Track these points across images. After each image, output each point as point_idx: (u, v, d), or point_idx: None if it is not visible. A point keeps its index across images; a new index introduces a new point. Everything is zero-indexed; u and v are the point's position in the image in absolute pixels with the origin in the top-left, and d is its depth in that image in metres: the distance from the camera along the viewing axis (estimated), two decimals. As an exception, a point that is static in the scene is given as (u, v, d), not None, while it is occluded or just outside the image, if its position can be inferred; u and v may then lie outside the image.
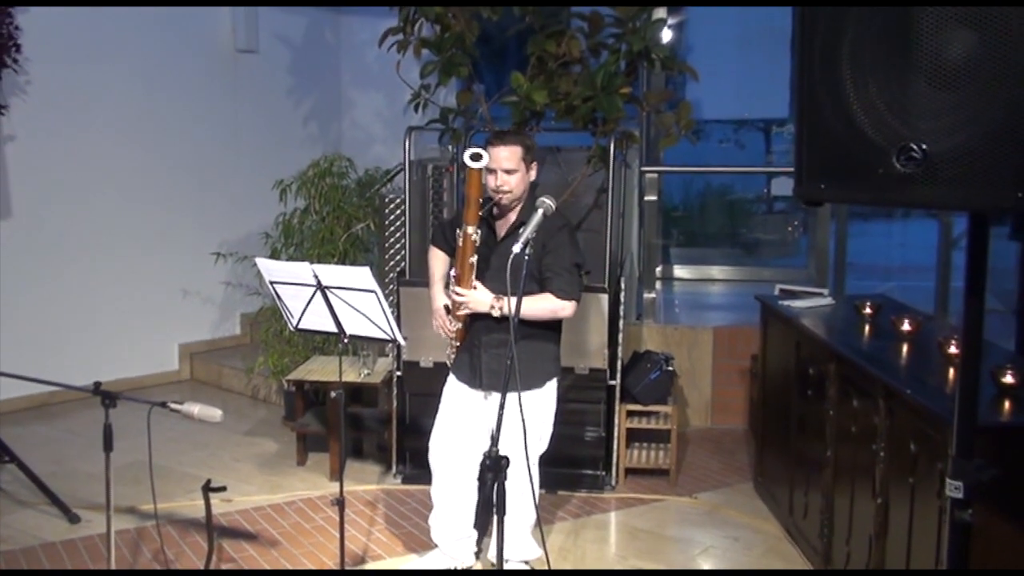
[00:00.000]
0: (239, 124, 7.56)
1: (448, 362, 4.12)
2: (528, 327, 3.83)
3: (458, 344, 4.02)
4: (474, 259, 3.79)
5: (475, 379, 4.01)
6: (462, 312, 3.88)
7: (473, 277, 3.82)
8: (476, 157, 3.65)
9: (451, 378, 4.12)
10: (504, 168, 3.78)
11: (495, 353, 3.91)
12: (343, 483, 3.88)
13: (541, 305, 3.80)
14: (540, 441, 4.05)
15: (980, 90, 1.92)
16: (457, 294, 3.84)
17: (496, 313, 3.81)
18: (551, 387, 4.03)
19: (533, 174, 3.93)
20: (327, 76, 8.26)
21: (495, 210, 3.93)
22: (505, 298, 3.74)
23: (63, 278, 6.60)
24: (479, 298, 3.82)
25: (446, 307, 3.99)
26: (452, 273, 3.90)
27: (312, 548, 4.47)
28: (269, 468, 5.48)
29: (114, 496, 3.45)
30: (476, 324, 3.94)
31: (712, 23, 8.40)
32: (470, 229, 3.75)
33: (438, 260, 4.19)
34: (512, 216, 3.91)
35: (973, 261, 2.25)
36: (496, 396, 3.86)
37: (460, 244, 3.80)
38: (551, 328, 3.99)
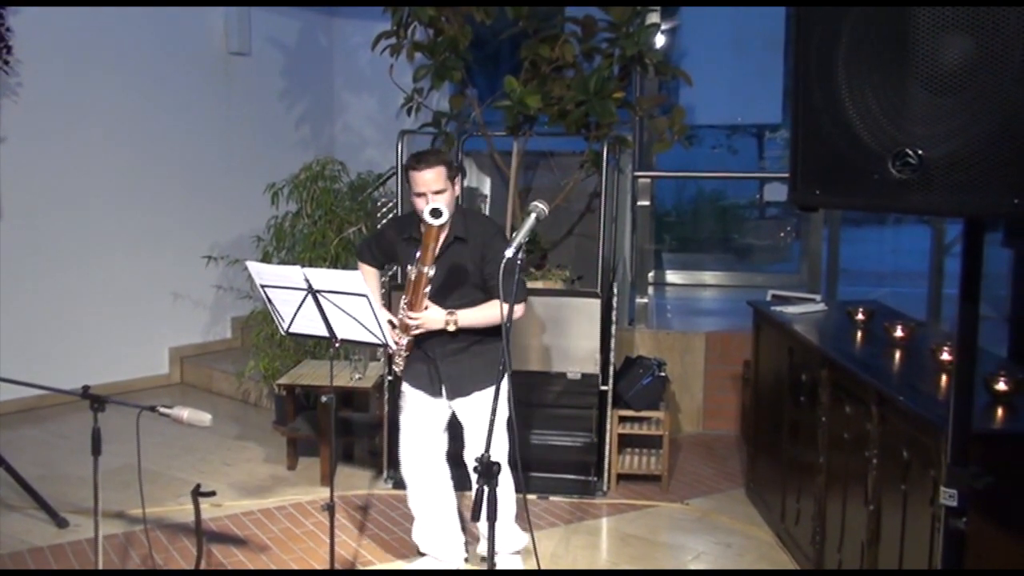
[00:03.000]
0: (231, 127, 7.54)
1: (397, 371, 4.13)
2: (479, 333, 3.94)
3: (406, 354, 4.04)
4: (427, 289, 3.82)
5: (434, 387, 4.05)
6: (415, 333, 3.91)
7: (425, 303, 3.83)
8: (436, 214, 3.66)
9: (407, 388, 4.15)
10: (433, 190, 3.80)
11: (452, 361, 3.99)
12: (334, 488, 3.86)
13: (492, 312, 3.88)
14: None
15: (976, 96, 1.91)
16: (411, 317, 3.85)
17: (451, 328, 3.87)
18: (505, 381, 4.07)
19: (458, 189, 3.98)
20: (320, 79, 8.25)
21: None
22: (457, 312, 3.86)
23: (53, 281, 6.57)
24: (433, 317, 3.86)
25: (390, 322, 3.99)
26: (404, 301, 3.90)
27: (302, 553, 4.45)
28: (259, 473, 5.46)
29: (103, 500, 3.44)
30: (429, 340, 3.97)
31: (706, 28, 8.40)
32: (426, 268, 3.77)
33: (371, 277, 4.20)
34: (443, 233, 3.88)
35: (968, 267, 2.24)
36: (458, 401, 4.02)
37: (413, 279, 3.81)
38: (497, 330, 4.02)
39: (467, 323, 3.86)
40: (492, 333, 3.97)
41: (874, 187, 2.07)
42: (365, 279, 4.17)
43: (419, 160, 3.86)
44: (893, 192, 2.04)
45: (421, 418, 4.11)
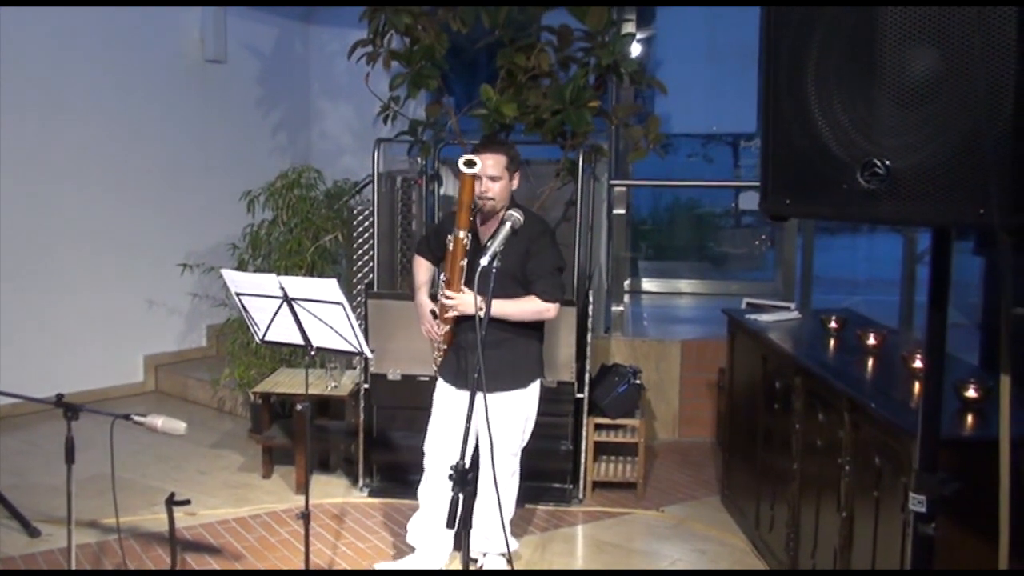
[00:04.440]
0: (207, 134, 7.52)
1: (435, 365, 4.20)
2: (512, 330, 3.98)
3: (445, 347, 4.10)
4: (464, 262, 3.87)
5: (460, 379, 4.09)
6: (451, 315, 3.96)
7: (462, 281, 3.89)
8: (470, 164, 3.73)
9: (439, 382, 4.21)
10: (489, 175, 3.87)
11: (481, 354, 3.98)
12: (309, 496, 3.86)
13: (527, 307, 3.95)
14: (523, 436, 4.19)
15: (942, 108, 1.94)
16: (447, 297, 3.92)
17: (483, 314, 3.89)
18: (535, 387, 4.16)
19: (516, 183, 4.02)
20: (296, 87, 8.23)
21: (479, 217, 4.01)
22: (494, 301, 3.82)
23: (27, 287, 6.51)
24: (468, 300, 3.90)
25: (433, 312, 4.05)
26: (442, 278, 3.99)
27: (277, 562, 4.44)
28: (234, 481, 5.43)
29: (76, 509, 3.41)
30: (463, 325, 4.02)
31: (681, 38, 8.45)
32: (461, 233, 3.84)
33: (422, 268, 4.32)
34: (494, 224, 3.99)
35: (936, 276, 2.27)
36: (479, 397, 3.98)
37: (451, 248, 3.88)
38: (535, 329, 4.12)
39: (500, 312, 3.81)
40: (525, 333, 4.04)
41: (843, 197, 2.09)
42: (418, 270, 4.31)
43: (482, 144, 3.99)
44: (862, 202, 2.07)
45: (448, 412, 4.14)
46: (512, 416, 4.07)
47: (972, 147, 1.92)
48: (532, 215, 4.25)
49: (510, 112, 5.04)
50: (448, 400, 4.15)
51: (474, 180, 3.79)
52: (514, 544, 4.30)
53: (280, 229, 6.20)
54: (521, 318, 3.96)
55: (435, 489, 4.18)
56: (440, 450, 4.16)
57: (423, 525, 4.25)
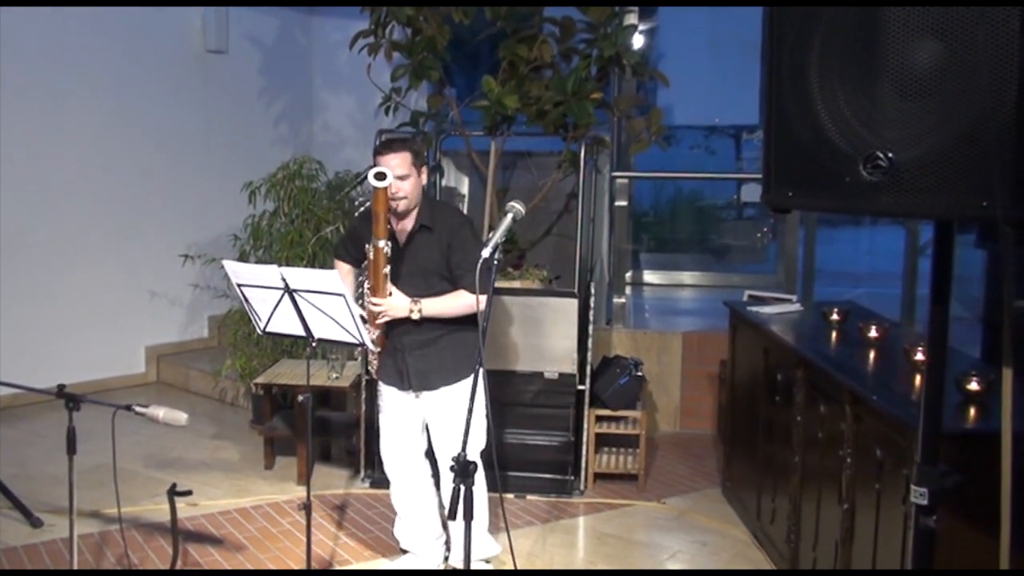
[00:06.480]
0: (208, 125, 7.51)
1: (371, 370, 4.14)
2: (446, 326, 3.94)
3: (379, 351, 4.04)
4: (387, 270, 3.83)
5: (403, 382, 4.04)
6: (381, 321, 3.91)
7: (388, 286, 3.85)
8: (380, 176, 3.70)
9: (381, 386, 4.16)
10: (397, 175, 3.79)
11: (419, 354, 3.98)
12: (310, 487, 3.86)
13: (458, 303, 3.89)
14: (480, 429, 4.01)
15: (946, 100, 1.94)
16: (375, 304, 3.87)
17: (415, 316, 3.87)
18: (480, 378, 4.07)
19: (424, 178, 3.97)
20: (298, 78, 8.22)
21: (394, 219, 3.93)
22: (421, 301, 3.87)
23: (28, 279, 6.51)
24: (397, 304, 3.87)
25: (361, 317, 4.01)
26: (366, 285, 3.93)
27: (278, 552, 4.44)
28: (236, 472, 5.44)
29: (77, 500, 3.42)
30: (395, 329, 3.98)
31: (683, 30, 8.43)
32: (381, 243, 3.78)
33: (347, 274, 4.24)
34: (410, 222, 3.94)
35: (938, 268, 2.27)
36: (426, 395, 4.01)
37: (372, 258, 3.82)
38: (467, 320, 4.01)
39: (432, 312, 3.86)
40: (460, 326, 3.97)
41: (845, 189, 2.09)
42: (340, 276, 4.22)
43: (385, 145, 3.90)
44: (864, 194, 2.06)
45: (396, 415, 4.12)
46: (463, 408, 3.93)
47: (975, 139, 1.92)
48: (449, 207, 4.23)
49: (512, 103, 5.03)
50: (395, 403, 4.11)
51: (386, 191, 3.74)
52: (494, 548, 4.22)
53: (281, 220, 6.19)
54: (454, 313, 3.88)
55: (405, 493, 4.20)
56: (399, 454, 4.15)
57: (409, 531, 4.26)
